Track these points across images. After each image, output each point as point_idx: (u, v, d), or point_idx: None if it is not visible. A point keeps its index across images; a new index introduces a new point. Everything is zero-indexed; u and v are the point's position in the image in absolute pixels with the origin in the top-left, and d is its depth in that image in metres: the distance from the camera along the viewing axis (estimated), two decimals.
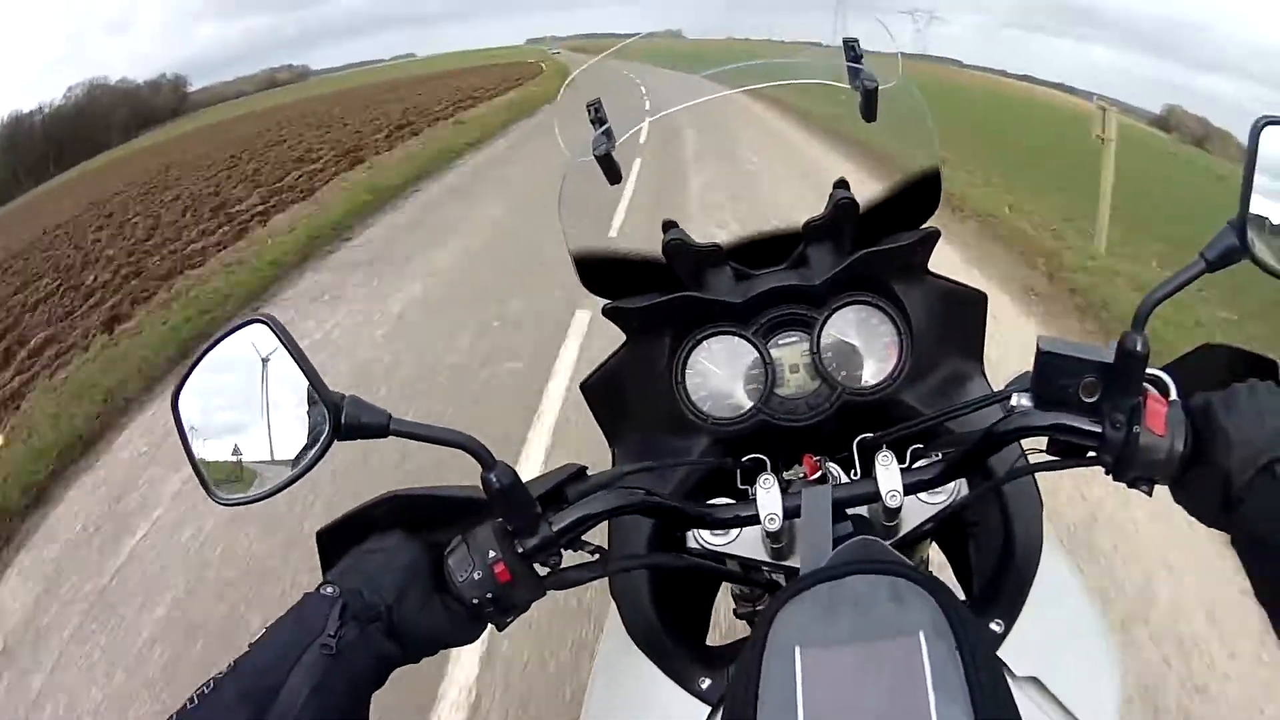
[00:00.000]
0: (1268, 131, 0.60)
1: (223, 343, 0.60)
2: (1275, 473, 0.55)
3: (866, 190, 0.89)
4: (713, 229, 0.93)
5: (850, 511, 0.71)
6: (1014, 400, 0.65)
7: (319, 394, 0.56)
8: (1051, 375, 0.63)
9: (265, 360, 0.58)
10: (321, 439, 0.57)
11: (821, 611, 0.46)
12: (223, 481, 0.60)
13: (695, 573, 0.78)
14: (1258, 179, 0.59)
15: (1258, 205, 0.59)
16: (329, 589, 0.58)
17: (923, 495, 0.74)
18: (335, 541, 0.65)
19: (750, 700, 0.43)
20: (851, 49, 0.88)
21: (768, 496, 0.70)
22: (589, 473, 0.70)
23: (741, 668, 0.45)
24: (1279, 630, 0.55)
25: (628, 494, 0.69)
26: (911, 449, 0.75)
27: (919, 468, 0.73)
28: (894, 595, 0.46)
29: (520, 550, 0.63)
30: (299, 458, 0.58)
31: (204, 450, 0.60)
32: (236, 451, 0.60)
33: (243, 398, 0.60)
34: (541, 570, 0.66)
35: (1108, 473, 0.64)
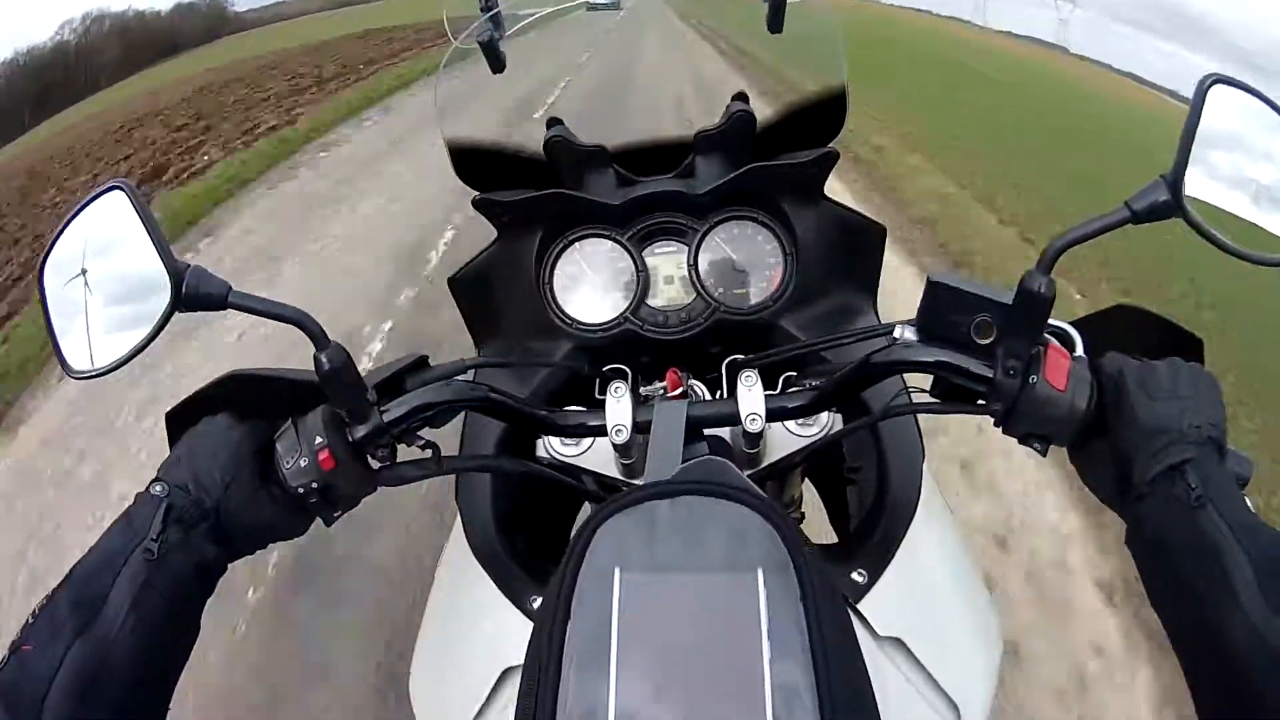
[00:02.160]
0: (1215, 90, 0.56)
1: (83, 212, 0.59)
2: (1184, 473, 0.51)
3: (771, 107, 0.85)
4: (600, 128, 0.89)
5: (709, 432, 0.68)
6: (897, 332, 0.61)
7: (164, 263, 0.55)
8: (942, 310, 0.58)
9: (122, 229, 0.57)
10: (163, 310, 0.55)
11: (650, 532, 0.42)
12: (81, 352, 0.58)
13: (552, 486, 0.73)
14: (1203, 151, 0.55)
15: (1195, 170, 0.55)
16: (158, 487, 0.57)
17: (792, 426, 0.70)
18: (180, 422, 0.64)
19: (560, 622, 0.39)
20: None
21: (617, 406, 0.66)
22: (433, 363, 0.66)
23: (554, 585, 0.41)
24: (1172, 633, 0.51)
25: (470, 388, 0.65)
26: (785, 376, 0.71)
27: (787, 394, 0.68)
28: (733, 525, 0.42)
29: (350, 439, 0.60)
30: (147, 326, 0.56)
31: (62, 321, 0.59)
32: (96, 321, 0.58)
33: (99, 268, 0.59)
34: (375, 464, 0.63)
35: (997, 424, 0.59)
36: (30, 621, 0.50)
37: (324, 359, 0.58)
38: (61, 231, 0.59)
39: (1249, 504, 0.51)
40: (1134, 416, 0.54)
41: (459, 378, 0.65)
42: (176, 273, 0.54)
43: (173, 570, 0.54)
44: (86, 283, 0.59)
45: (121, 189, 0.57)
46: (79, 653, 0.48)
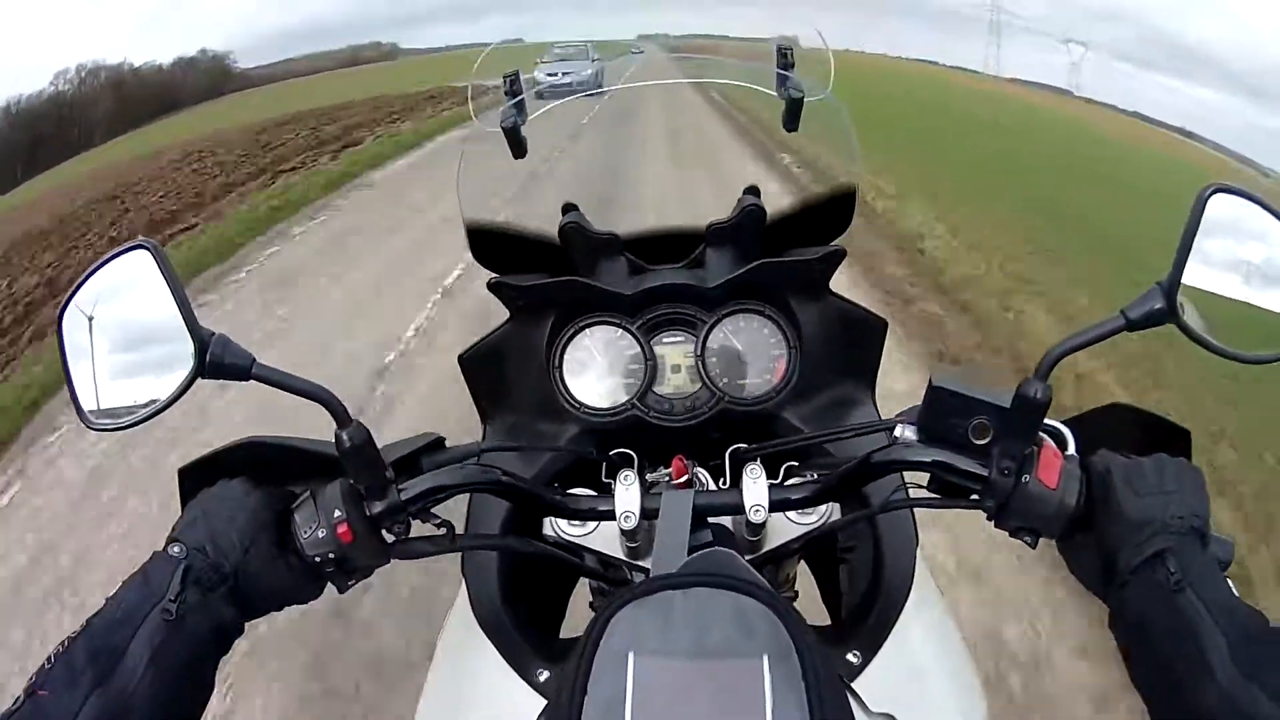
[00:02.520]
0: (1215, 199, 0.58)
1: (108, 265, 0.60)
2: (1165, 560, 0.54)
3: (781, 201, 0.88)
4: (614, 216, 0.92)
5: (713, 521, 0.70)
6: (898, 431, 0.64)
7: (189, 329, 0.56)
8: (942, 411, 0.61)
9: (145, 287, 0.58)
10: (185, 375, 0.56)
11: (662, 620, 0.44)
12: (94, 406, 0.59)
13: (550, 562, 0.76)
14: (1198, 245, 0.58)
15: (1193, 272, 0.57)
16: (175, 548, 0.58)
17: (792, 514, 0.72)
18: (194, 480, 0.65)
19: (576, 703, 0.41)
20: (784, 55, 0.87)
21: (626, 494, 0.68)
22: (448, 445, 0.68)
23: (571, 666, 0.43)
24: (1153, 710, 0.54)
25: (483, 471, 0.67)
26: (786, 466, 0.74)
27: (789, 485, 0.70)
28: (740, 614, 0.44)
29: (367, 513, 0.62)
30: (166, 390, 0.57)
31: (80, 371, 0.59)
32: (111, 377, 0.59)
33: (122, 323, 0.60)
34: (389, 538, 0.64)
35: (989, 518, 0.62)
36: (47, 667, 0.51)
37: (345, 436, 0.59)
38: (83, 283, 0.60)
39: (1230, 585, 0.54)
40: (1120, 511, 0.58)
41: (471, 460, 0.67)
42: (201, 340, 0.56)
43: (191, 631, 0.56)
44: (103, 335, 0.60)
45: (147, 248, 0.58)
46: (97, 704, 0.50)
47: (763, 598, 0.45)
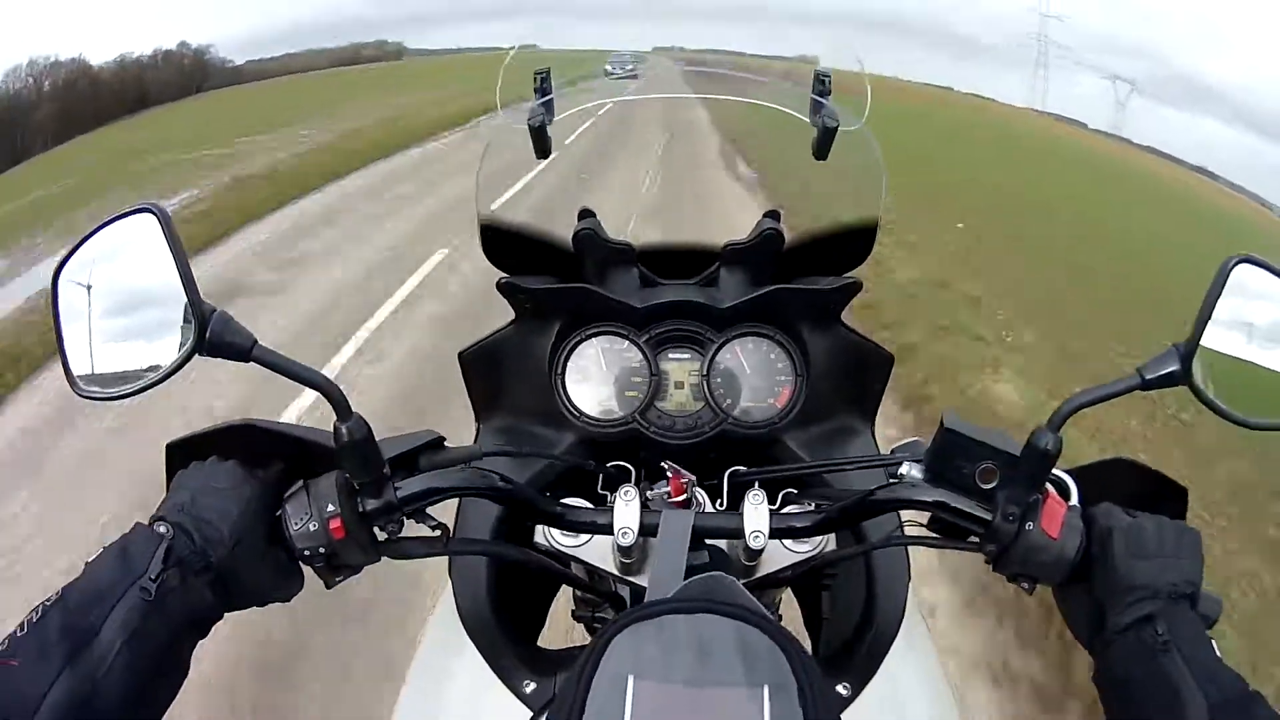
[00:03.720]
0: (1239, 269, 0.59)
1: (110, 226, 0.57)
2: (1154, 623, 0.56)
3: (801, 227, 0.88)
4: (629, 224, 0.92)
5: (708, 542, 0.70)
6: (904, 468, 0.65)
7: (190, 303, 0.53)
8: (950, 453, 0.62)
9: (147, 254, 0.55)
10: (183, 350, 0.54)
11: (663, 644, 0.44)
12: (86, 371, 0.56)
13: (537, 569, 0.75)
14: (1219, 311, 0.59)
15: (1211, 336, 0.59)
16: (162, 526, 0.56)
17: (788, 542, 0.72)
18: (182, 457, 0.63)
19: None
20: (821, 82, 0.87)
21: (626, 510, 0.67)
22: (447, 444, 0.67)
23: (570, 686, 0.43)
24: None
25: (481, 475, 0.67)
26: (783, 492, 0.74)
27: (790, 513, 0.71)
28: (743, 643, 0.44)
29: (361, 510, 0.60)
30: (161, 363, 0.55)
31: (74, 335, 0.57)
32: (105, 344, 0.57)
33: (120, 289, 0.58)
34: (381, 535, 0.63)
35: (988, 562, 0.63)
36: (19, 634, 0.49)
37: (344, 430, 0.57)
38: (83, 243, 0.58)
39: (1214, 646, 0.55)
40: (1116, 570, 0.59)
41: (472, 464, 0.66)
42: (202, 315, 0.53)
43: (169, 613, 0.54)
44: (100, 300, 0.58)
45: (153, 212, 0.55)
46: (69, 682, 0.48)
47: (767, 628, 0.45)
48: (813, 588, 0.90)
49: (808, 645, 0.83)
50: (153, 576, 0.53)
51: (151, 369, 0.55)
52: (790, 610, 0.97)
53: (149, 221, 0.55)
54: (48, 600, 0.51)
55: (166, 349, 0.55)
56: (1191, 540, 0.61)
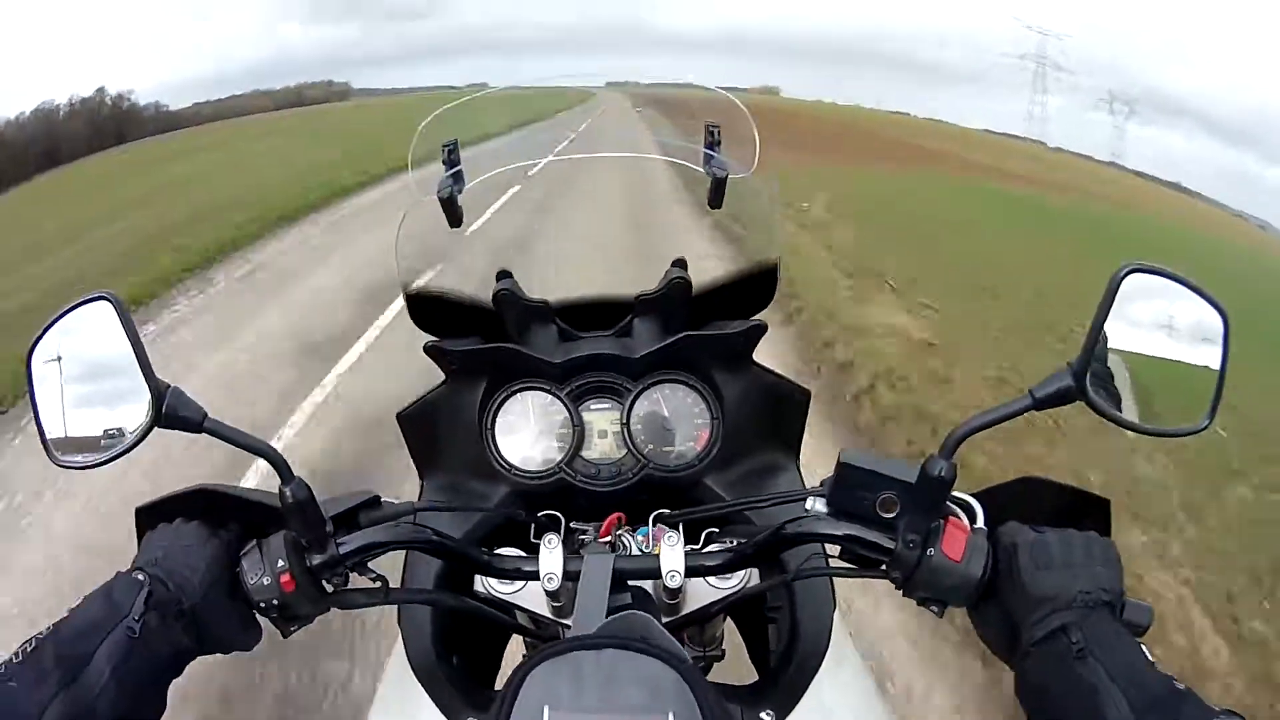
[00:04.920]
0: (1131, 278, 0.60)
1: (70, 314, 0.64)
2: (1068, 632, 0.57)
3: (707, 274, 0.92)
4: (550, 277, 0.98)
5: (633, 583, 0.73)
6: (809, 503, 0.68)
7: (146, 380, 0.60)
8: (850, 486, 0.65)
9: (106, 336, 0.62)
10: (141, 424, 0.61)
11: (574, 678, 0.48)
12: (60, 444, 0.64)
13: (477, 615, 0.80)
14: (1116, 321, 0.60)
15: (1115, 338, 0.60)
16: (140, 574, 0.62)
17: (712, 579, 0.76)
18: (150, 519, 0.70)
19: None
20: (711, 134, 0.92)
21: (550, 556, 0.72)
22: (385, 500, 0.72)
23: (493, 718, 0.47)
24: None
25: (415, 530, 0.72)
26: (707, 532, 0.79)
27: (708, 552, 0.75)
28: (649, 676, 0.48)
29: (308, 564, 0.66)
30: (126, 429, 0.62)
31: (48, 405, 0.64)
32: (76, 418, 0.64)
33: (87, 362, 0.65)
34: (328, 587, 0.68)
35: (898, 588, 0.65)
36: (13, 661, 0.56)
37: (289, 492, 0.63)
38: (48, 329, 0.64)
39: (1143, 650, 0.56)
40: (1023, 584, 0.60)
41: (406, 519, 0.72)
42: (158, 391, 0.60)
43: (152, 650, 0.60)
44: (69, 378, 0.65)
45: (108, 299, 0.63)
46: (63, 705, 0.54)
47: (670, 661, 0.49)
48: (757, 622, 0.92)
49: (755, 678, 0.84)
50: (136, 617, 0.59)
51: (119, 434, 0.62)
52: (734, 640, 0.99)
53: (104, 307, 0.63)
54: (40, 634, 0.57)
55: (133, 414, 0.62)
56: (1104, 550, 0.62)
